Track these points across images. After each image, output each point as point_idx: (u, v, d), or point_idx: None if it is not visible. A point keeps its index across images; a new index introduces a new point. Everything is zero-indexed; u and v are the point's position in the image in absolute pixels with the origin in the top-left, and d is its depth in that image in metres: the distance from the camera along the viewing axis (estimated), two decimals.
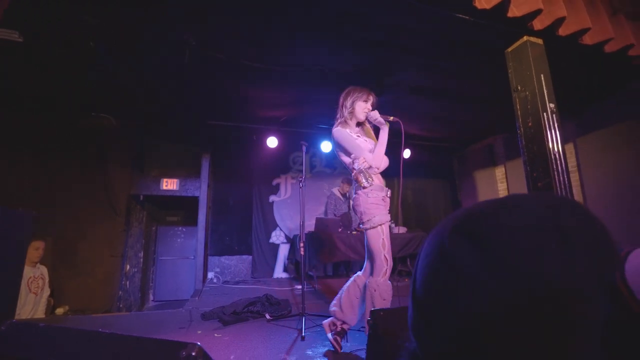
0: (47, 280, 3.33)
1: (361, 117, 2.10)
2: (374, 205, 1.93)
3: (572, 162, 4.38)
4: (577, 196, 4.30)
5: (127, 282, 5.16)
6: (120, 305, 4.90)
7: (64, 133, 4.35)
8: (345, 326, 1.98)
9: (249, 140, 5.28)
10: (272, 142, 4.98)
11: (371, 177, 1.97)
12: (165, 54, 3.08)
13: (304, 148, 2.67)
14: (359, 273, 2.06)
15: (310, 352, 2.02)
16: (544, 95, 2.38)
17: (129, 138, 4.99)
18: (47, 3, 2.33)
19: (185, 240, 6.36)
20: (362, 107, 2.10)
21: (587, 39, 2.43)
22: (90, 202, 4.52)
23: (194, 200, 5.10)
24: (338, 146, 2.10)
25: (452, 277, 0.31)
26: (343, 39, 2.93)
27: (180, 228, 6.43)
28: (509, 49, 2.57)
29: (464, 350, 0.30)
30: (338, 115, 2.15)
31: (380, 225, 1.91)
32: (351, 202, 2.36)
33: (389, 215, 1.99)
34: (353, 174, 2.01)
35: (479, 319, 0.28)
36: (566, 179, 2.34)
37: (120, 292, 4.92)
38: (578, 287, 0.27)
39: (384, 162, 2.05)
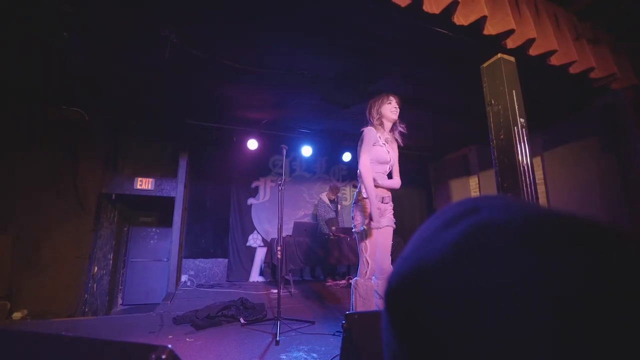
0: None
1: (392, 116, 2.25)
2: (360, 213, 2.08)
3: (539, 175, 4.62)
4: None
5: (94, 285, 4.91)
6: (86, 310, 4.65)
7: (29, 125, 4.12)
8: None
9: (228, 142, 5.21)
10: (252, 144, 4.94)
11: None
12: (144, 49, 3.00)
13: (283, 151, 2.68)
14: (356, 277, 2.13)
15: (284, 357, 2.01)
16: (515, 110, 2.51)
17: (102, 134, 4.79)
18: None
19: (158, 242, 6.14)
20: (389, 108, 2.26)
21: (554, 60, 2.60)
22: (57, 199, 4.29)
23: (170, 201, 4.95)
24: (360, 143, 2.19)
25: (430, 295, 0.22)
26: (326, 44, 2.98)
27: (154, 229, 6.21)
28: (484, 65, 2.70)
29: None
30: (369, 120, 2.30)
31: (365, 230, 2.03)
32: None
33: (383, 219, 2.09)
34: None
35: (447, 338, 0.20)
36: (533, 190, 2.48)
37: (86, 296, 4.68)
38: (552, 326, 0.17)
39: (387, 182, 2.20)
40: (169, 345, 0.70)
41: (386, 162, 2.19)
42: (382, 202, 2.14)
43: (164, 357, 0.69)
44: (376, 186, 2.13)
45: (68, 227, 4.37)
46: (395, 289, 0.22)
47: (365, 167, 2.08)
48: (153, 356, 0.67)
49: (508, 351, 0.17)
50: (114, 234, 5.28)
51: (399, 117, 2.33)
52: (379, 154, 2.17)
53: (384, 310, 0.24)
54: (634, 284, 0.16)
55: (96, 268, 4.96)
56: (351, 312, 1.00)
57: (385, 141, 2.25)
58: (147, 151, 5.11)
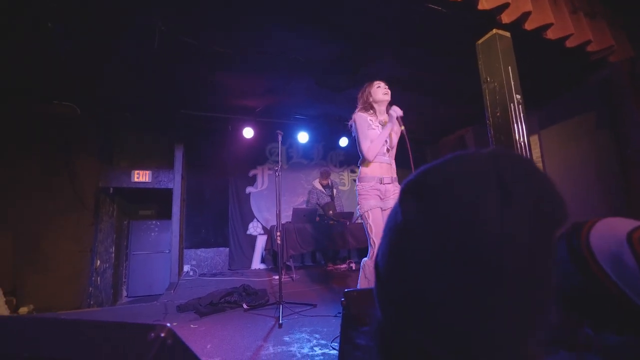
0: None
1: (381, 97, 2.25)
2: (362, 196, 2.14)
3: (536, 153, 4.62)
4: None
5: (98, 279, 4.96)
6: (91, 302, 4.71)
7: (23, 122, 4.07)
8: None
9: (224, 131, 5.16)
10: (248, 132, 4.90)
11: (365, 167, 2.18)
12: (133, 39, 2.93)
13: (279, 137, 2.66)
14: (366, 259, 2.16)
15: (287, 338, 2.05)
16: (511, 87, 2.48)
17: (96, 127, 4.74)
18: None
19: (159, 234, 6.17)
20: (377, 91, 2.26)
21: (550, 34, 2.56)
22: (55, 195, 4.28)
23: (168, 193, 4.95)
24: (354, 130, 2.23)
25: (399, 233, 0.32)
26: (318, 27, 2.91)
27: (153, 222, 6.22)
28: (479, 42, 2.65)
29: (410, 304, 0.30)
30: (359, 105, 2.32)
31: (366, 211, 2.08)
32: None
33: (388, 200, 2.15)
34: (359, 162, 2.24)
35: (422, 271, 0.29)
36: None
37: (90, 289, 4.72)
38: (513, 238, 0.26)
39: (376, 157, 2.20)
40: (168, 324, 0.70)
41: (367, 159, 2.20)
42: (381, 183, 2.15)
43: (162, 335, 0.69)
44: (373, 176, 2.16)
45: (68, 222, 4.38)
46: (409, 181, 0.33)
47: (371, 151, 2.12)
48: (152, 334, 0.67)
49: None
50: (114, 228, 5.29)
51: (395, 101, 2.30)
52: (373, 137, 2.19)
53: (397, 202, 0.33)
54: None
55: (99, 262, 4.99)
56: (350, 289, 1.00)
57: (380, 123, 2.25)
58: (143, 143, 5.07)
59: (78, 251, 4.53)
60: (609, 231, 0.54)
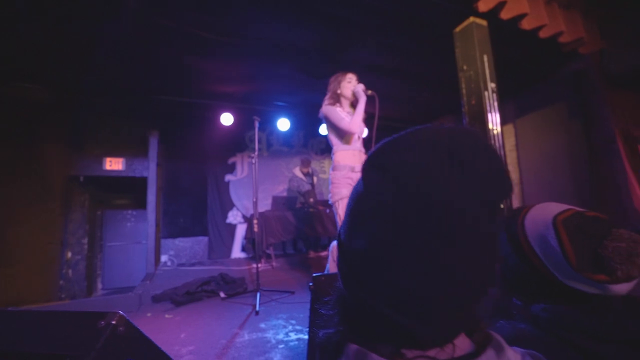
0: None
1: (348, 93, 2.28)
2: (334, 185, 2.17)
3: (512, 142, 4.75)
4: (514, 173, 4.70)
5: (70, 271, 4.79)
6: (63, 296, 4.55)
7: None
8: None
9: (202, 118, 5.01)
10: (226, 119, 4.78)
11: (337, 157, 2.23)
12: (106, 18, 2.76)
13: (256, 123, 2.60)
14: (334, 242, 2.23)
15: (264, 325, 2.05)
16: (486, 75, 2.52)
17: (66, 113, 4.49)
18: None
19: (136, 224, 6.01)
20: (347, 86, 2.29)
21: (525, 24, 2.59)
22: (20, 183, 4.05)
23: (144, 182, 4.79)
24: (326, 121, 2.27)
25: (360, 202, 0.34)
26: (299, 13, 2.84)
27: (129, 211, 6.04)
28: (457, 29, 2.66)
29: (368, 269, 0.32)
30: (328, 97, 2.34)
31: (337, 201, 2.12)
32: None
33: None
34: (332, 152, 2.29)
35: (380, 236, 0.31)
36: (503, 155, 2.54)
37: (61, 282, 4.56)
38: (462, 204, 0.29)
39: (360, 129, 2.25)
40: (120, 311, 0.67)
41: (352, 132, 2.23)
42: (353, 172, 2.18)
43: (113, 322, 0.66)
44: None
45: (35, 213, 4.17)
46: (371, 153, 0.35)
47: (354, 124, 2.14)
48: (102, 323, 0.64)
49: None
50: (86, 218, 5.09)
51: (371, 89, 2.28)
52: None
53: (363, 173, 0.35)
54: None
55: (70, 253, 4.81)
56: (318, 274, 1.00)
57: (347, 114, 2.28)
58: (116, 130, 4.86)
59: (47, 243, 4.34)
60: (540, 215, 0.60)
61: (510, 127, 4.76)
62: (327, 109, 2.24)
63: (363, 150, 2.32)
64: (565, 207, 0.60)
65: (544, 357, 0.36)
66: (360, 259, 0.33)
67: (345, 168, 2.17)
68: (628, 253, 0.51)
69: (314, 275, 0.99)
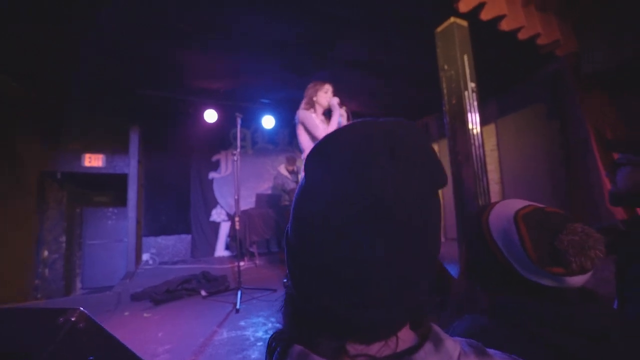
0: None
1: (324, 102, 2.46)
2: None
3: (493, 142, 4.86)
4: (495, 173, 4.81)
5: (46, 270, 4.64)
6: (39, 296, 4.41)
7: None
8: None
9: (186, 114, 4.92)
10: (210, 115, 4.71)
11: None
12: (88, 11, 2.67)
13: (238, 120, 2.58)
14: None
15: (243, 323, 2.04)
16: (466, 75, 2.56)
17: (42, 107, 4.33)
18: None
19: (117, 222, 5.88)
20: (323, 96, 2.46)
21: (504, 25, 2.65)
22: None
23: (124, 178, 4.68)
24: (301, 125, 2.42)
25: (303, 195, 0.34)
26: (285, 8, 2.82)
27: (110, 209, 5.90)
28: (438, 29, 2.69)
29: (312, 263, 0.32)
30: (304, 102, 2.51)
31: None
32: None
33: None
34: (303, 156, 2.47)
35: (320, 226, 0.31)
36: (481, 154, 2.59)
37: (37, 281, 4.41)
38: (397, 193, 0.29)
39: None
40: (80, 308, 0.65)
41: None
42: None
43: (73, 319, 0.65)
44: None
45: (7, 210, 4.00)
46: (312, 148, 0.35)
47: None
48: (61, 319, 0.63)
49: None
50: (64, 216, 4.94)
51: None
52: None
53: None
54: None
55: (46, 252, 4.66)
56: None
57: (321, 121, 2.48)
58: (95, 125, 4.72)
59: (22, 241, 4.19)
60: (503, 211, 0.62)
61: (492, 127, 4.86)
62: (303, 114, 2.40)
63: None
64: (526, 203, 0.62)
65: (502, 346, 0.38)
66: (300, 251, 0.33)
67: None
68: (581, 246, 0.53)
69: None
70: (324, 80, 2.54)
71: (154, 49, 3.43)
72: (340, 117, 2.46)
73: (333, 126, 2.36)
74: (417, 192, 0.31)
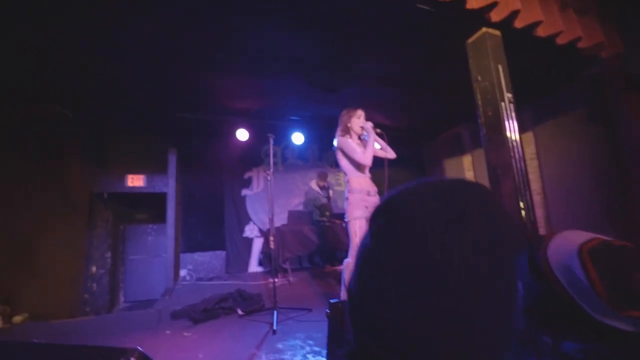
0: None
1: (357, 129, 2.59)
2: (352, 206, 2.44)
3: (532, 150, 4.61)
4: (536, 183, 4.54)
5: (94, 285, 4.94)
6: (87, 309, 4.69)
7: (14, 125, 4.00)
8: None
9: (218, 133, 5.14)
10: (242, 134, 4.87)
11: (353, 182, 2.51)
12: (125, 43, 2.91)
13: (270, 140, 2.65)
14: (348, 259, 2.49)
15: (281, 346, 2.03)
16: (502, 86, 2.46)
17: (89, 132, 4.71)
18: None
19: (156, 238, 6.16)
20: (356, 122, 2.59)
21: (541, 32, 2.54)
22: (48, 200, 4.24)
23: (163, 197, 4.93)
24: (340, 151, 2.57)
25: (368, 255, 0.34)
26: (310, 27, 2.89)
27: (150, 226, 6.21)
28: (469, 40, 2.63)
29: (378, 325, 0.32)
30: (340, 129, 2.66)
31: (353, 220, 2.41)
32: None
33: (370, 211, 2.31)
34: (346, 178, 2.59)
35: (388, 291, 0.30)
36: (523, 166, 2.45)
37: (86, 296, 4.70)
38: (466, 261, 0.28)
39: (370, 161, 2.57)
40: (138, 347, 0.68)
41: (365, 164, 2.54)
42: (368, 195, 2.48)
43: (132, 359, 0.67)
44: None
45: (61, 229, 4.34)
46: (379, 207, 0.35)
47: (367, 156, 2.47)
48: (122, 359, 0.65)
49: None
50: (109, 233, 5.27)
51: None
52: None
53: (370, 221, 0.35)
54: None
55: (94, 267, 4.97)
56: (335, 300, 0.99)
57: (358, 146, 2.59)
58: (136, 147, 5.04)
59: (72, 258, 4.50)
60: (564, 244, 0.57)
61: (529, 135, 4.62)
62: (341, 140, 2.55)
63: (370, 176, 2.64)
64: (590, 235, 0.57)
65: None
66: (370, 317, 0.32)
67: (361, 192, 2.47)
68: None
69: (331, 302, 0.98)
70: (356, 107, 2.66)
71: (190, 75, 3.64)
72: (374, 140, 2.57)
73: (369, 150, 2.47)
74: (489, 258, 0.29)
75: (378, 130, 2.58)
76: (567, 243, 0.57)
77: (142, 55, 2.99)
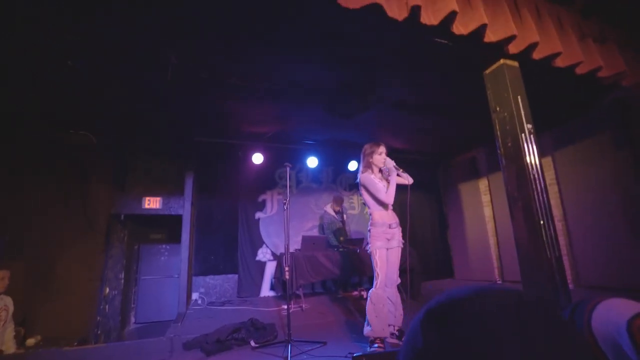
0: (11, 311, 3.10)
1: (379, 163, 2.73)
2: (374, 238, 2.60)
3: (551, 176, 4.50)
4: (557, 209, 4.40)
5: (106, 306, 4.94)
6: (98, 332, 4.67)
7: (37, 150, 4.18)
8: (378, 341, 2.46)
9: (233, 157, 5.22)
10: (257, 158, 4.94)
11: (376, 216, 2.65)
12: (147, 71, 3.04)
13: (287, 169, 2.66)
14: (372, 288, 2.56)
15: None
16: (522, 117, 2.43)
17: (110, 155, 4.86)
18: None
19: (169, 258, 6.18)
20: (378, 158, 2.73)
21: (560, 62, 2.53)
22: (67, 222, 4.33)
23: (178, 218, 4.98)
24: (363, 187, 2.70)
25: (418, 357, 0.33)
26: (326, 56, 2.97)
27: (163, 246, 6.25)
28: (487, 71, 2.64)
29: None
30: (363, 164, 2.80)
31: (375, 250, 2.56)
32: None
33: (392, 241, 2.63)
34: (369, 211, 2.72)
35: None
36: (545, 197, 2.38)
37: (98, 318, 4.70)
38: None
39: (393, 199, 2.68)
40: None
41: (388, 204, 2.64)
42: (390, 228, 2.61)
43: None
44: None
45: (79, 250, 4.41)
46: (433, 307, 0.34)
47: (390, 196, 2.59)
48: None
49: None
50: (124, 253, 5.31)
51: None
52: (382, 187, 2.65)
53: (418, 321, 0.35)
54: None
55: (107, 289, 4.99)
56: (358, 354, 0.96)
57: (380, 179, 2.72)
58: (154, 170, 5.15)
59: (88, 280, 4.54)
60: (610, 317, 0.53)
61: (548, 160, 4.52)
62: (364, 177, 2.68)
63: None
64: (636, 308, 0.53)
65: None
66: None
67: (384, 225, 2.61)
68: None
69: (354, 356, 0.94)
70: (378, 142, 2.78)
71: (208, 102, 3.75)
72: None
73: (392, 191, 2.60)
74: None
75: (401, 170, 2.70)
76: (613, 315, 0.53)
77: (165, 83, 3.10)
